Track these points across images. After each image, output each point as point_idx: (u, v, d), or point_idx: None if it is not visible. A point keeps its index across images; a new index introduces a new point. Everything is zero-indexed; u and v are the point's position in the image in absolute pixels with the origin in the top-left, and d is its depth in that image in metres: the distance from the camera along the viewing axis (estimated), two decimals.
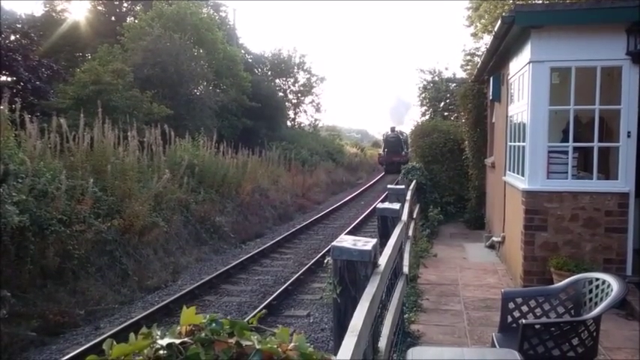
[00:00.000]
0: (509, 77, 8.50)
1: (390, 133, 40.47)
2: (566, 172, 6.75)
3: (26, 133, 9.67)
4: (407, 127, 43.84)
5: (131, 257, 10.09)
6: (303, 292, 9.59)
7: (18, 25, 18.93)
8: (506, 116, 8.75)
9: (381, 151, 41.95)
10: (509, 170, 8.37)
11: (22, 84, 16.76)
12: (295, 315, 8.28)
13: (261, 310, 7.76)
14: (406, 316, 5.70)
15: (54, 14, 28.28)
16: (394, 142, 38.87)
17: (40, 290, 7.93)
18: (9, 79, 17.41)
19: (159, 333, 1.28)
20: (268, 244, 13.33)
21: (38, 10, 28.51)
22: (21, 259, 7.76)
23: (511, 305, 4.10)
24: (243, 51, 36.07)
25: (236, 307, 8.64)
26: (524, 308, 4.06)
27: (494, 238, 9.71)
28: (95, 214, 9.54)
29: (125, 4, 33.82)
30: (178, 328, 1.32)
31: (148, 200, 10.88)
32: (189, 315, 1.33)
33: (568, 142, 6.77)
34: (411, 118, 65.21)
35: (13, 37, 18.33)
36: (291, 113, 42.99)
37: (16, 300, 7.26)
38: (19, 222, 7.53)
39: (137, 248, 10.37)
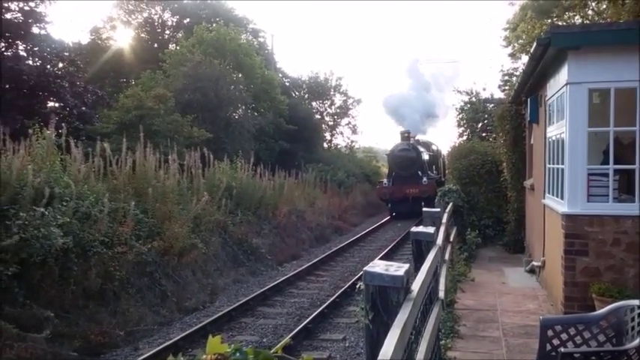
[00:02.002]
0: (546, 99, 8.40)
1: (400, 144, 24.82)
2: (607, 195, 6.59)
3: (71, 157, 10.00)
4: (435, 138, 37.02)
5: (170, 279, 10.25)
6: (339, 315, 9.55)
7: (65, 54, 19.69)
8: (545, 138, 8.63)
9: (385, 179, 25.98)
10: (549, 193, 8.22)
11: (68, 109, 17.40)
12: (331, 339, 8.25)
13: (286, 340, 7.75)
14: (442, 342, 5.62)
15: (99, 42, 29.39)
16: (408, 161, 23.98)
17: (82, 311, 8.13)
18: (56, 104, 18.11)
19: None
20: (304, 266, 13.36)
21: (85, 38, 29.64)
22: (64, 280, 7.99)
23: (550, 333, 4.00)
24: (280, 75, 36.60)
25: (272, 330, 8.66)
26: (564, 336, 3.96)
27: (535, 263, 9.50)
28: (136, 236, 9.77)
29: (167, 32, 34.88)
30: (204, 356, 1.37)
31: (187, 222, 11.08)
32: (214, 344, 1.37)
33: (609, 164, 6.62)
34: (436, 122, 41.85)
35: (60, 65, 19.08)
36: (327, 135, 43.15)
37: (59, 320, 7.45)
38: (63, 244, 7.76)
39: (176, 270, 10.54)
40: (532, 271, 9.81)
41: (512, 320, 6.93)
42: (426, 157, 25.97)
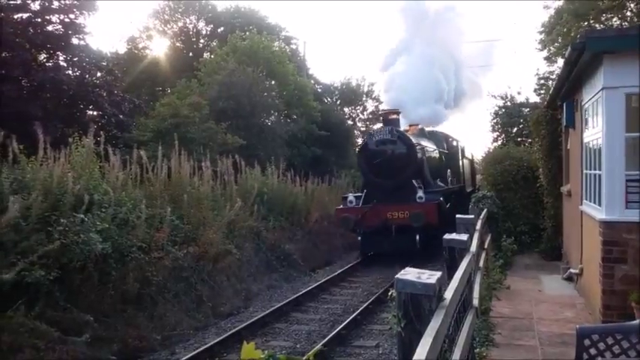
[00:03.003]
0: (582, 103, 8.26)
1: (379, 132, 15.29)
2: None
3: (110, 165, 10.26)
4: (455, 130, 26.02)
5: (205, 284, 10.41)
6: (373, 321, 9.54)
7: (104, 63, 20.21)
8: (581, 143, 8.47)
9: (351, 194, 15.70)
10: (586, 199, 8.06)
11: (106, 118, 17.83)
12: (364, 345, 8.24)
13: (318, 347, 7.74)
14: (477, 350, 5.57)
15: (136, 51, 30.05)
16: (392, 161, 14.54)
17: (120, 315, 8.32)
18: (95, 113, 18.59)
19: None
20: (337, 272, 13.37)
21: (122, 48, 30.36)
22: (103, 284, 8.19)
23: (587, 342, 3.94)
24: (312, 81, 36.76)
25: (305, 336, 8.70)
26: (601, 346, 3.90)
27: (572, 270, 9.32)
28: (172, 242, 9.96)
29: (202, 41, 35.46)
30: None
31: (221, 228, 11.24)
32: (249, 350, 1.41)
33: None
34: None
35: (99, 74, 19.57)
36: (359, 141, 43.11)
37: (98, 324, 7.64)
38: (102, 249, 7.96)
39: (211, 275, 10.69)
40: (570, 278, 9.62)
41: (549, 329, 6.82)
42: (433, 154, 16.70)
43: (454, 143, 20.43)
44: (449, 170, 18.20)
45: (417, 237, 13.49)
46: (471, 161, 24.46)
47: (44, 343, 6.71)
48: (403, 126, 16.79)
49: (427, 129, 19.03)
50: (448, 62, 23.81)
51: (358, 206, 14.31)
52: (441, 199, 14.31)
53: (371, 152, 14.67)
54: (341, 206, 15.05)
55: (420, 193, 13.75)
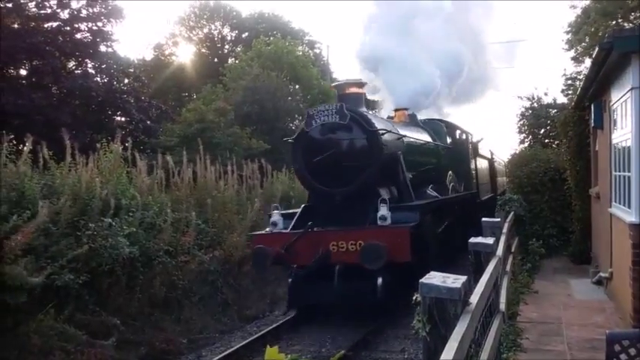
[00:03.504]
0: (611, 104, 8.11)
1: (324, 110, 8.71)
2: None
3: (137, 170, 10.41)
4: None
5: (231, 287, 10.48)
6: (399, 325, 9.47)
7: (131, 70, 20.57)
8: (610, 144, 8.32)
9: (275, 211, 9.19)
10: (616, 202, 7.90)
11: (134, 124, 18.15)
12: (390, 350, 8.19)
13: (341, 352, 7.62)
14: (504, 356, 5.51)
15: (162, 58, 30.47)
16: (344, 155, 8.65)
17: (147, 318, 8.42)
18: (122, 119, 18.93)
19: None
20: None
21: (148, 54, 30.86)
22: (131, 288, 8.31)
23: (617, 348, 3.87)
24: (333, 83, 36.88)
25: (331, 340, 8.68)
26: (632, 351, 3.82)
27: (602, 274, 9.14)
28: (198, 246, 10.06)
29: (227, 46, 35.81)
30: None
31: (246, 231, 11.32)
32: (272, 353, 1.42)
33: None
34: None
35: (126, 81, 19.94)
36: None
37: (125, 327, 7.75)
38: (130, 253, 8.07)
39: (237, 278, 10.76)
40: (599, 282, 9.44)
41: (578, 334, 6.70)
42: (421, 149, 11.60)
43: (463, 136, 15.08)
44: (451, 172, 12.97)
45: (380, 281, 7.96)
46: (491, 161, 20.25)
47: (73, 346, 6.83)
48: (387, 112, 13.38)
49: (423, 117, 13.76)
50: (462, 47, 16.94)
51: (285, 231, 8.70)
52: (425, 217, 8.74)
53: (310, 144, 8.84)
54: (265, 230, 9.13)
55: (383, 211, 8.00)
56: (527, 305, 8.13)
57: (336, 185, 8.69)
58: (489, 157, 19.90)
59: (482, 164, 17.49)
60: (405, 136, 10.22)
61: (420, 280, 2.94)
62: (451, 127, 14.91)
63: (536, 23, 74.30)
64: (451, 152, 13.84)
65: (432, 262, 8.21)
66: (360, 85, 9.93)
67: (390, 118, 12.51)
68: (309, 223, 8.39)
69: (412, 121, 12.72)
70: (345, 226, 8.41)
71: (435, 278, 3.00)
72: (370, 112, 10.53)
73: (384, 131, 8.95)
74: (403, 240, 7.82)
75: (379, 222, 8.07)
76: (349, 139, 8.81)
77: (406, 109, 12.84)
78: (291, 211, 9.94)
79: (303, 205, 9.49)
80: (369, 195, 8.56)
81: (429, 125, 13.51)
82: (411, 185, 9.47)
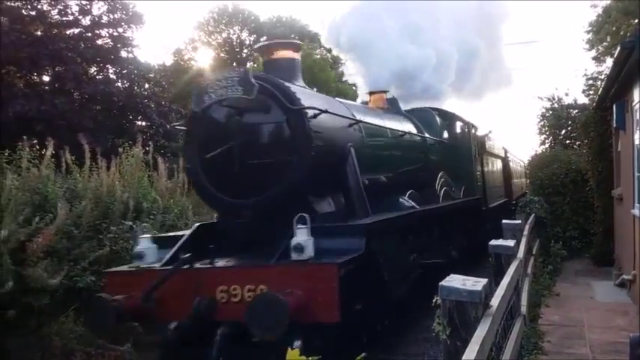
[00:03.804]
0: (633, 104, 8.00)
1: (225, 80, 5.51)
2: None
3: (158, 174, 10.51)
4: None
5: None
6: (420, 329, 9.43)
7: (151, 75, 20.80)
8: (632, 145, 8.20)
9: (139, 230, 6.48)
10: (638, 203, 7.79)
11: (154, 128, 18.35)
12: (410, 353, 8.16)
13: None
14: (525, 359, 5.46)
15: (182, 62, 30.76)
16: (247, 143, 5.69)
17: None
18: (143, 123, 19.15)
19: None
20: None
21: (168, 59, 31.22)
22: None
23: None
24: (354, 87, 36.88)
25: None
26: None
27: (625, 276, 9.01)
28: None
29: (245, 50, 36.02)
30: None
31: None
32: (293, 356, 1.43)
33: None
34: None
35: (146, 86, 20.17)
36: None
37: (144, 330, 7.82)
38: None
39: None
40: (622, 285, 9.30)
41: (601, 337, 6.60)
42: (395, 142, 8.65)
43: (465, 130, 12.06)
44: (442, 173, 10.08)
45: (297, 345, 4.38)
46: (505, 160, 17.70)
47: (94, 348, 6.91)
48: (362, 97, 10.64)
49: (410, 106, 11.12)
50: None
51: (153, 267, 5.56)
52: (379, 242, 5.65)
53: (206, 131, 6.10)
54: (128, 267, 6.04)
55: (301, 237, 5.01)
56: (548, 308, 8.04)
57: (245, 194, 5.71)
58: (503, 155, 17.46)
59: (492, 164, 14.84)
60: (360, 121, 7.18)
61: (440, 283, 2.93)
62: (448, 117, 11.85)
63: (556, 23, 73.54)
64: (447, 148, 11.10)
65: (402, 304, 6.36)
66: (295, 47, 7.15)
67: (364, 104, 10.23)
68: (187, 255, 5.23)
69: (394, 107, 10.08)
70: (250, 260, 5.41)
71: (455, 281, 2.99)
72: (306, 87, 7.27)
73: (316, 111, 5.80)
74: (327, 286, 4.62)
75: (293, 255, 4.89)
76: (262, 123, 5.81)
77: (385, 91, 10.22)
78: (175, 233, 6.88)
79: (197, 224, 6.33)
80: (297, 209, 5.17)
81: (417, 114, 10.64)
82: (369, 192, 6.47)
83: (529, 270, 7.84)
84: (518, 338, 4.37)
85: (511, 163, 18.87)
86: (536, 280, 9.01)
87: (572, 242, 12.94)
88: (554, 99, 22.49)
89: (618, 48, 6.72)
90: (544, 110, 22.68)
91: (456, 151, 11.35)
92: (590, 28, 22.09)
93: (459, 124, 12.04)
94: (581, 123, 13.46)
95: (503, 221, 7.36)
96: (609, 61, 18.34)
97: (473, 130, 12.38)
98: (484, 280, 3.06)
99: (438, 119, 11.23)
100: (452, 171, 10.67)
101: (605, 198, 11.96)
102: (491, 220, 11.49)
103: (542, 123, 22.69)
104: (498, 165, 16.25)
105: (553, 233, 12.74)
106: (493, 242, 5.19)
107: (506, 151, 18.16)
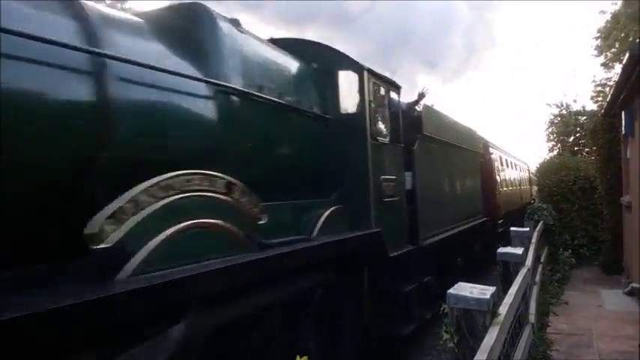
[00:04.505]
0: None
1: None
2: None
3: None
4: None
5: None
6: (427, 335, 9.39)
7: None
8: None
9: None
10: None
11: None
12: None
13: None
14: None
15: None
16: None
17: None
18: None
19: None
20: None
21: None
22: None
23: None
24: None
25: None
26: None
27: (634, 285, 8.94)
28: None
29: None
30: None
31: None
32: None
33: None
34: None
35: None
36: None
37: None
38: None
39: None
40: (631, 293, 9.23)
41: (610, 346, 6.55)
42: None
43: (365, 87, 5.90)
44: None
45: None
46: (486, 157, 13.16)
47: None
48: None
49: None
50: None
51: None
52: None
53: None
54: None
55: None
56: (557, 316, 7.99)
57: None
58: (479, 149, 12.12)
59: (442, 161, 8.81)
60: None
61: (448, 291, 2.93)
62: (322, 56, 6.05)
63: (556, 23, 73.43)
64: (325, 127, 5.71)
65: None
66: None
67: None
68: None
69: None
70: None
71: (462, 289, 2.98)
72: None
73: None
74: None
75: None
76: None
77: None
78: None
79: None
80: None
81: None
82: None
83: (537, 278, 7.79)
84: (526, 347, 4.34)
85: (496, 163, 14.00)
86: (545, 289, 8.96)
87: (581, 250, 12.89)
88: (562, 105, 22.42)
89: (627, 54, 6.70)
90: (552, 117, 22.63)
91: (339, 134, 5.80)
92: (598, 34, 21.99)
93: (346, 75, 6.03)
94: (589, 130, 13.42)
95: (512, 229, 7.32)
96: (618, 68, 18.27)
97: (387, 91, 6.54)
98: (492, 288, 3.04)
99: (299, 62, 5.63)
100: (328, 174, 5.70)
101: (614, 205, 11.89)
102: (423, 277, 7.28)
103: (550, 129, 22.64)
104: (464, 163, 10.57)
105: (561, 241, 12.68)
106: (501, 250, 5.16)
107: (487, 145, 13.38)
